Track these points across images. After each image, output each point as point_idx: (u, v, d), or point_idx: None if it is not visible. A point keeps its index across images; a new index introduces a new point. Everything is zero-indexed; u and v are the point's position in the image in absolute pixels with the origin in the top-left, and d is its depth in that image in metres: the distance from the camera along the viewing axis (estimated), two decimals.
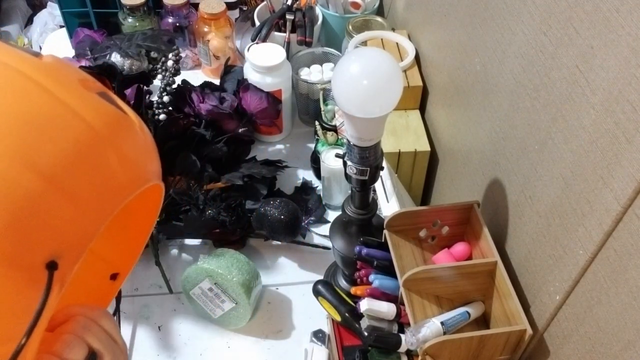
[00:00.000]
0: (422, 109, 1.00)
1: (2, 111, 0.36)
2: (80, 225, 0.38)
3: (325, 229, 1.00)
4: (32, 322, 0.36)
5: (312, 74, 1.13)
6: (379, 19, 1.16)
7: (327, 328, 0.84)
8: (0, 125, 0.36)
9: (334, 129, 1.02)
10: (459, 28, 0.82)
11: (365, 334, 0.70)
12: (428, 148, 0.93)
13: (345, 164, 0.71)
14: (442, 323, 0.63)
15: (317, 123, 1.05)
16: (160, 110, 0.95)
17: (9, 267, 0.35)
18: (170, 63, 0.97)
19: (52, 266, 0.37)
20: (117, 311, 0.87)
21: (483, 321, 0.70)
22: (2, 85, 0.37)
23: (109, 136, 0.41)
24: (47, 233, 0.37)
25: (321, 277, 0.93)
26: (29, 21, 1.98)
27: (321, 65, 1.15)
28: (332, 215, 1.03)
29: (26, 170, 0.36)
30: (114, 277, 0.57)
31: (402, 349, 0.69)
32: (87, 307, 0.48)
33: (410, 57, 1.00)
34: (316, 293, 0.78)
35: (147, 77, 1.00)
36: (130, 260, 0.58)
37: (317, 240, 1.00)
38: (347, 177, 0.72)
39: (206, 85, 1.06)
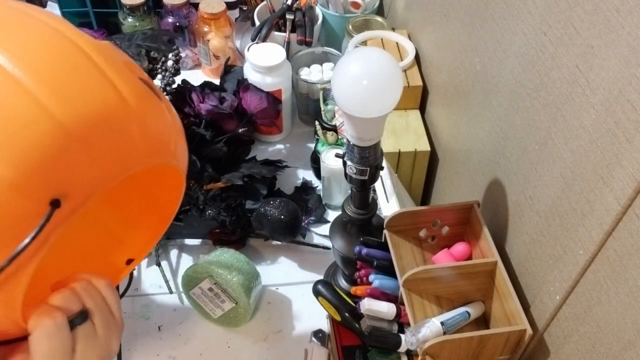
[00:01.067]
0: (422, 109, 1.00)
1: (49, 61, 0.42)
2: (90, 175, 0.43)
3: (325, 229, 1.00)
4: (19, 249, 0.40)
5: (312, 74, 1.13)
6: (379, 19, 1.16)
7: (327, 328, 0.84)
8: (42, 71, 0.41)
9: (334, 129, 1.02)
10: (459, 28, 0.82)
11: (365, 334, 0.70)
12: (428, 148, 0.93)
13: (345, 164, 0.71)
14: (442, 323, 0.63)
15: (317, 123, 1.05)
16: None
17: (17, 194, 0.39)
18: (170, 63, 0.97)
19: (55, 203, 0.41)
20: None
21: (483, 321, 0.70)
22: (58, 48, 0.44)
23: (136, 109, 0.46)
24: (58, 173, 0.41)
25: (321, 277, 0.93)
26: None
27: (321, 65, 1.15)
28: (332, 215, 1.03)
29: (46, 115, 0.40)
30: (129, 262, 0.59)
31: (402, 349, 0.69)
32: (94, 274, 0.50)
33: (410, 57, 1.00)
34: (316, 293, 0.78)
35: None
36: (146, 247, 0.60)
37: (317, 240, 1.00)
38: (347, 177, 0.72)
39: (206, 85, 1.06)
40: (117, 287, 0.58)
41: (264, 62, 1.04)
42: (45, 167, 0.40)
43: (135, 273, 0.61)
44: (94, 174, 0.43)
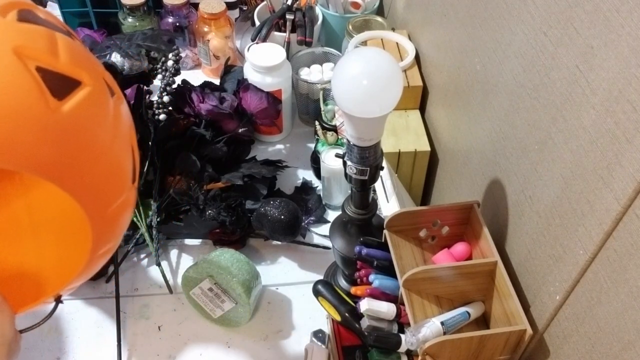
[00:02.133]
0: (422, 109, 1.00)
1: None
2: None
3: (325, 229, 1.00)
4: None
5: (312, 74, 1.13)
6: (379, 19, 1.16)
7: (327, 328, 0.84)
8: None
9: (334, 129, 1.02)
10: (459, 28, 0.82)
11: (365, 334, 0.70)
12: (428, 148, 0.93)
13: (345, 164, 0.71)
14: (442, 323, 0.63)
15: (317, 123, 1.05)
16: (160, 110, 0.95)
17: None
18: (170, 63, 0.97)
19: None
20: (117, 311, 0.87)
21: (483, 321, 0.70)
22: None
23: None
24: None
25: (321, 277, 0.93)
26: None
27: (321, 65, 1.15)
28: (332, 215, 1.03)
29: None
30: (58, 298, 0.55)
31: (402, 349, 0.69)
32: None
33: (410, 57, 1.00)
34: (316, 293, 0.78)
35: (147, 77, 1.00)
36: (62, 284, 0.56)
37: (317, 240, 1.00)
38: (347, 177, 0.72)
39: (206, 85, 1.06)
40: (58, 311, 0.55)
41: (264, 62, 1.04)
42: None
43: (62, 302, 0.58)
44: None
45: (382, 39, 1.06)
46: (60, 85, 0.44)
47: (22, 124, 0.41)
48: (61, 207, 0.58)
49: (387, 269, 0.72)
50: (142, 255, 0.97)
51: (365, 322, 0.71)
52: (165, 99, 0.95)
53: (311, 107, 1.13)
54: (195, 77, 1.19)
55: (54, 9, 1.29)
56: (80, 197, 0.45)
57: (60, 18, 1.27)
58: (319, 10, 1.23)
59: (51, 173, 0.43)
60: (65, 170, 0.44)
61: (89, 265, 0.52)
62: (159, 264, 0.91)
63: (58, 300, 0.57)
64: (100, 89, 0.47)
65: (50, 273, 0.56)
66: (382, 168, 0.72)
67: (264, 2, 1.25)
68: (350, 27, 1.13)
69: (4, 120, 0.41)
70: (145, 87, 0.98)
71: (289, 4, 1.20)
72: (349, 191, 0.76)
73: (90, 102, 0.46)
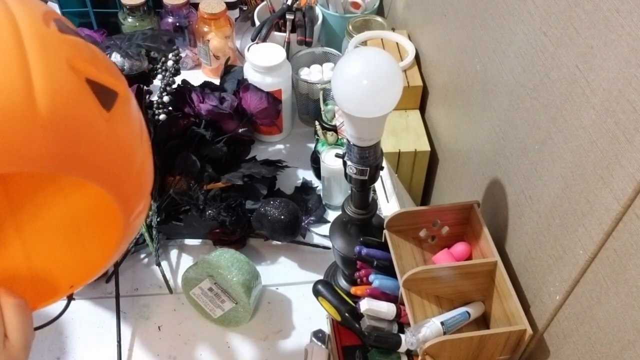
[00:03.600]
0: (422, 109, 1.00)
1: None
2: None
3: (325, 229, 1.00)
4: None
5: (312, 74, 1.13)
6: (379, 19, 1.16)
7: (327, 328, 0.84)
8: None
9: (334, 129, 1.02)
10: (459, 28, 0.82)
11: (365, 334, 0.70)
12: (428, 148, 0.93)
13: (345, 164, 0.71)
14: (442, 323, 0.63)
15: (317, 123, 1.05)
16: (160, 110, 0.95)
17: None
18: (170, 63, 0.97)
19: None
20: (117, 311, 0.87)
21: (483, 321, 0.70)
22: None
23: (46, 117, 0.40)
24: None
25: (321, 277, 0.93)
26: None
27: (321, 65, 1.15)
28: (332, 215, 1.03)
29: None
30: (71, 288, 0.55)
31: (402, 349, 0.69)
32: (5, 291, 0.47)
33: (410, 57, 1.00)
34: (316, 293, 0.78)
35: (147, 77, 0.99)
36: (86, 276, 0.56)
37: (317, 240, 1.00)
38: (347, 177, 0.72)
39: (206, 85, 1.06)
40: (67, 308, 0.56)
41: (264, 62, 1.04)
42: None
43: (74, 299, 0.58)
44: None
45: (382, 39, 1.06)
46: (104, 96, 0.44)
47: (85, 136, 0.42)
48: (76, 208, 0.58)
49: (387, 269, 0.72)
50: (142, 255, 0.97)
51: (365, 322, 0.71)
52: (165, 99, 0.94)
53: (311, 107, 1.13)
54: (195, 77, 1.19)
55: (54, 9, 1.29)
56: (121, 201, 0.47)
57: None
58: (319, 10, 1.23)
59: (107, 181, 0.45)
60: (115, 177, 0.46)
61: (108, 264, 0.54)
62: (159, 264, 0.91)
63: (70, 298, 0.58)
64: (129, 97, 0.49)
65: (60, 272, 0.57)
66: (382, 168, 0.72)
67: (264, 2, 1.25)
68: (350, 27, 1.13)
69: (70, 134, 0.41)
70: (145, 87, 0.98)
71: (289, 4, 1.20)
72: (349, 191, 0.76)
73: (126, 111, 0.47)
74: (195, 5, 1.21)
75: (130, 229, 0.51)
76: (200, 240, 0.99)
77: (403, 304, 0.67)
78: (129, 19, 1.21)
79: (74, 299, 0.59)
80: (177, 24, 1.23)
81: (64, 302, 0.59)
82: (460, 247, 0.72)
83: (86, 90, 0.42)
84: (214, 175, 0.96)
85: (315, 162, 1.08)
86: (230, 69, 1.12)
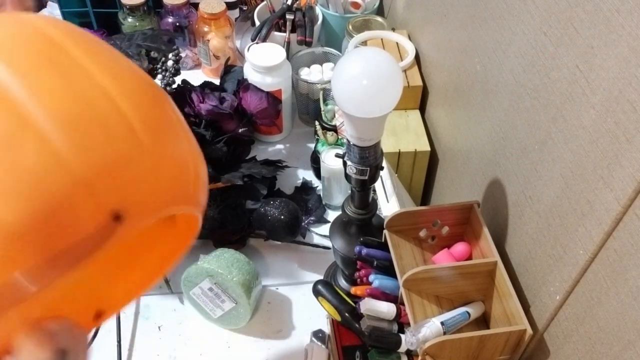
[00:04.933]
0: (422, 109, 1.00)
1: (73, 110, 0.39)
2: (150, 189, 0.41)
3: (325, 229, 1.00)
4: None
5: (312, 74, 1.13)
6: (379, 19, 1.16)
7: (327, 328, 0.84)
8: (65, 121, 0.39)
9: (334, 129, 1.02)
10: (459, 28, 0.82)
11: (365, 334, 0.70)
12: (428, 148, 0.93)
13: (345, 164, 0.71)
14: (442, 323, 0.63)
15: (317, 123, 1.05)
16: None
17: (15, 239, 0.37)
18: (170, 63, 0.97)
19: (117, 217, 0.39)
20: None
21: (483, 321, 0.70)
22: (85, 98, 0.40)
23: (152, 150, 0.42)
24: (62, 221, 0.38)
25: (321, 277, 0.93)
26: None
27: (321, 65, 1.15)
28: (332, 215, 1.03)
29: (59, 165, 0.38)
30: (98, 315, 0.55)
31: (402, 349, 0.69)
32: (74, 326, 0.48)
33: (410, 57, 1.00)
34: (316, 293, 0.78)
35: None
36: (121, 302, 0.57)
37: (317, 240, 1.00)
38: (347, 177, 0.72)
39: (206, 85, 1.06)
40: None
41: (264, 62, 1.04)
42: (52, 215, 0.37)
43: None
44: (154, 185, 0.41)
45: (382, 39, 1.06)
46: None
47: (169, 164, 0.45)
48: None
49: (387, 269, 0.72)
50: None
51: (365, 322, 0.71)
52: None
53: (311, 107, 1.13)
54: (195, 77, 1.19)
55: (54, 9, 1.29)
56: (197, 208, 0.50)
57: (60, 18, 1.27)
58: (319, 10, 1.23)
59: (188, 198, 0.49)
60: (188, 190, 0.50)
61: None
62: None
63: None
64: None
65: (104, 292, 0.56)
66: (382, 168, 0.72)
67: (264, 2, 1.25)
68: (350, 27, 1.13)
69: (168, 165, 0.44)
70: None
71: (289, 4, 1.20)
72: (349, 191, 0.76)
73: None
74: (195, 5, 1.21)
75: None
76: (200, 240, 0.99)
77: (403, 304, 0.67)
78: (129, 19, 1.21)
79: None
80: (177, 24, 1.23)
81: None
82: (460, 247, 0.72)
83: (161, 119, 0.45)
84: (214, 175, 0.96)
85: (315, 162, 1.08)
86: (230, 69, 1.12)
